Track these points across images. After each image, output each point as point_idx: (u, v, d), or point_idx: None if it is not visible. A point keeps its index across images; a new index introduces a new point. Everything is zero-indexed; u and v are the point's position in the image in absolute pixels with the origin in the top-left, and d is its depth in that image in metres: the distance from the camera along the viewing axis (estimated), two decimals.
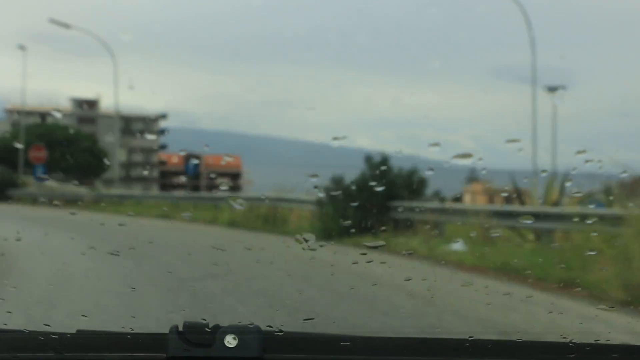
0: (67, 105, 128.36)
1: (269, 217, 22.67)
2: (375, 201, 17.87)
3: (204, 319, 2.03)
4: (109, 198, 37.68)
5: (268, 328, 2.03)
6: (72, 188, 45.27)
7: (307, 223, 20.66)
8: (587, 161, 4.03)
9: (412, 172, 18.74)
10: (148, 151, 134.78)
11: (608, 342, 2.19)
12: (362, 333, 2.32)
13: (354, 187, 18.47)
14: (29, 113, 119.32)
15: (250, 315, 7.79)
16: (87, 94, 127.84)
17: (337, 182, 19.12)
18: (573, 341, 2.07)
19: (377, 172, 18.45)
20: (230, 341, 1.91)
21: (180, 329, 1.95)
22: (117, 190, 44.81)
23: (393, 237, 15.44)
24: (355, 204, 17.47)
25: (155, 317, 7.63)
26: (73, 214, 33.04)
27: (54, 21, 42.21)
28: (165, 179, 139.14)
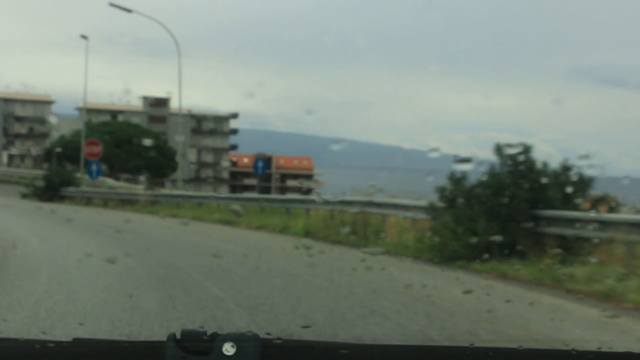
0: (138, 104, 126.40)
1: (356, 227, 17.31)
2: (516, 209, 12.37)
3: (201, 327, 2.00)
4: (167, 199, 32.96)
5: (267, 336, 1.93)
6: (129, 187, 40.95)
7: (411, 236, 15.19)
8: None
9: (566, 169, 13.00)
10: (218, 151, 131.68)
11: (611, 350, 2.11)
12: (361, 341, 1.22)
13: (481, 190, 13.00)
14: (100, 111, 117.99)
15: None
16: (159, 93, 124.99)
17: (457, 182, 13.66)
18: (575, 349, 1.99)
19: (518, 167, 12.91)
20: (229, 349, 1.83)
21: (178, 337, 1.86)
22: (174, 190, 40.17)
23: (563, 266, 10.03)
24: (485, 212, 12.06)
25: None
26: (128, 222, 28.74)
27: (113, 5, 37.86)
28: (235, 179, 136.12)
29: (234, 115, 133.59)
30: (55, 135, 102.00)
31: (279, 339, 1.94)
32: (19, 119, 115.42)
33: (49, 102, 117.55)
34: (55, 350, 1.89)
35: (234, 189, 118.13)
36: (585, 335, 7.26)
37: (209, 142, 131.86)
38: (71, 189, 38.68)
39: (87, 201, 36.48)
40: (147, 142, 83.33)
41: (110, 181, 48.50)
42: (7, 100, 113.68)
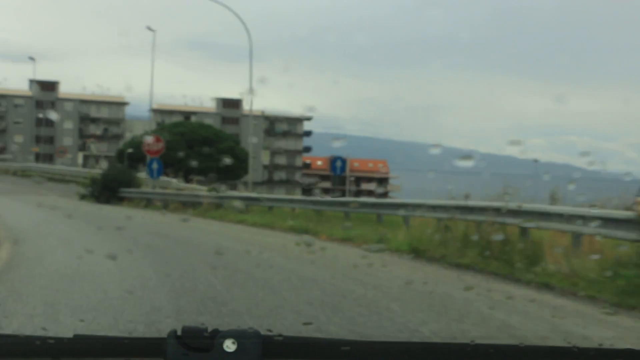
0: (211, 105, 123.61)
1: (486, 244, 12.00)
2: None
3: (202, 324, 1.94)
4: (227, 200, 28.24)
5: (267, 332, 1.89)
6: (192, 188, 36.51)
7: (591, 264, 9.73)
8: None
9: None
10: (292, 153, 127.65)
11: (612, 347, 2.09)
12: (362, 337, 1.32)
13: None
14: (173, 112, 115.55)
15: None
16: (233, 95, 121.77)
17: None
18: (577, 346, 1.99)
19: None
20: (229, 346, 1.80)
21: (179, 333, 1.84)
22: (240, 192, 35.41)
23: None
24: None
25: None
26: (185, 220, 23.86)
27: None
28: (310, 183, 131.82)
29: (308, 117, 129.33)
30: (128, 136, 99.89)
31: (280, 335, 1.90)
32: (94, 121, 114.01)
33: (123, 104, 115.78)
34: (56, 347, 1.87)
35: (307, 192, 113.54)
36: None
37: (282, 144, 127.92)
38: (130, 189, 34.45)
39: (147, 203, 32.16)
40: (227, 160, 79.54)
41: (176, 182, 44.33)
42: (83, 102, 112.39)
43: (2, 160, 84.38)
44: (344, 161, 38.72)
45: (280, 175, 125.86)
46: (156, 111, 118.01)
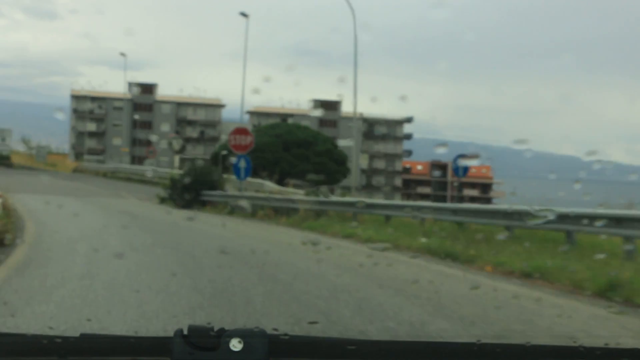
0: (308, 107, 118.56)
1: None
2: None
3: (209, 323, 1.90)
4: (339, 209, 21.86)
5: (274, 332, 1.84)
6: (286, 191, 30.47)
7: None
8: None
9: None
10: (391, 157, 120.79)
11: (618, 346, 2.04)
12: (368, 337, 1.30)
13: None
14: (269, 114, 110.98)
15: None
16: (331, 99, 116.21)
17: None
18: (583, 345, 1.94)
19: None
20: (236, 345, 1.77)
21: (185, 332, 1.80)
22: (344, 197, 28.84)
23: None
24: None
25: None
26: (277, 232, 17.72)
27: None
28: (408, 187, 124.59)
29: (409, 120, 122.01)
30: (223, 138, 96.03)
31: (286, 334, 1.86)
32: (190, 123, 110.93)
33: (219, 106, 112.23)
34: (63, 346, 1.84)
35: (407, 197, 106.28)
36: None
37: (381, 147, 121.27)
38: (214, 192, 28.77)
39: (232, 208, 26.34)
40: (314, 176, 74.48)
41: (269, 184, 38.59)
42: (180, 104, 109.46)
43: (98, 161, 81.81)
44: (467, 166, 31.91)
45: (378, 180, 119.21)
46: (252, 113, 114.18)
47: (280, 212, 23.66)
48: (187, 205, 28.87)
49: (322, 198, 22.47)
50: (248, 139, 27.60)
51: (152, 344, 1.85)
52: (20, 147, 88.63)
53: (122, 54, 68.00)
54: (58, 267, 10.36)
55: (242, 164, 27.07)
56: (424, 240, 14.56)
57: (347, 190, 71.57)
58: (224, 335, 1.77)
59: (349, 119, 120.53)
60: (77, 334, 1.85)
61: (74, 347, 1.83)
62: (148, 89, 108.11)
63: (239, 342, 1.75)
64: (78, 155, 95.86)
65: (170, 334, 1.78)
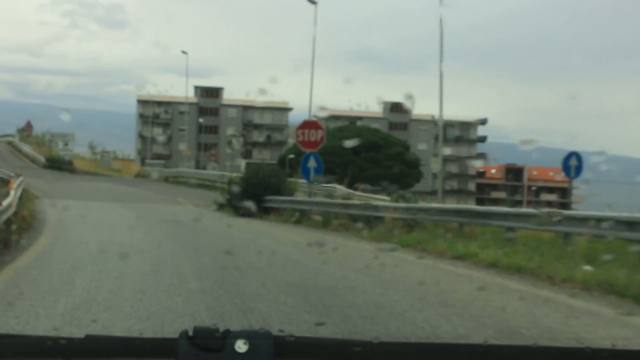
0: (377, 110, 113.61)
1: None
2: None
3: (214, 324, 1.91)
4: (440, 218, 16.79)
5: (279, 333, 1.82)
6: (367, 197, 25.61)
7: None
8: None
9: None
10: (465, 161, 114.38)
11: (625, 348, 2.05)
12: (374, 338, 1.90)
13: None
14: (338, 117, 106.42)
15: None
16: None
17: None
18: (590, 347, 1.86)
19: None
20: (241, 346, 1.74)
21: (190, 333, 1.78)
22: (445, 204, 23.69)
23: None
24: None
25: None
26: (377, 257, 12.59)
27: None
28: (482, 192, 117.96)
29: (483, 122, 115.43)
30: (291, 142, 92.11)
31: (291, 336, 1.84)
32: (257, 127, 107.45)
33: (287, 109, 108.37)
34: (68, 347, 1.83)
35: (480, 202, 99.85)
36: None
37: (454, 150, 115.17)
38: (278, 197, 24.17)
39: (299, 217, 21.69)
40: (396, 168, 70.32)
41: (342, 188, 33.90)
42: (247, 108, 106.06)
43: (159, 166, 78.95)
44: (580, 158, 26.68)
45: (451, 184, 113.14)
46: (320, 117, 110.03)
47: (357, 220, 18.90)
48: (247, 212, 24.45)
49: (414, 204, 17.54)
50: (319, 134, 22.87)
51: (157, 346, 1.82)
52: (87, 153, 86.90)
53: (184, 52, 64.39)
54: (26, 318, 6.07)
55: (312, 163, 22.39)
56: (586, 267, 9.55)
57: (426, 195, 66.30)
58: (229, 336, 1.73)
59: (419, 121, 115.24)
60: (82, 335, 1.79)
61: (79, 348, 1.81)
62: (214, 92, 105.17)
63: (245, 343, 1.70)
64: (144, 161, 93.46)
65: (176, 335, 1.72)
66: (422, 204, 17.07)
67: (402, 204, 17.37)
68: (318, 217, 22.23)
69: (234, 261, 10.95)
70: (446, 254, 12.62)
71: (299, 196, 25.03)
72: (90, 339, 1.82)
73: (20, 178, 31.65)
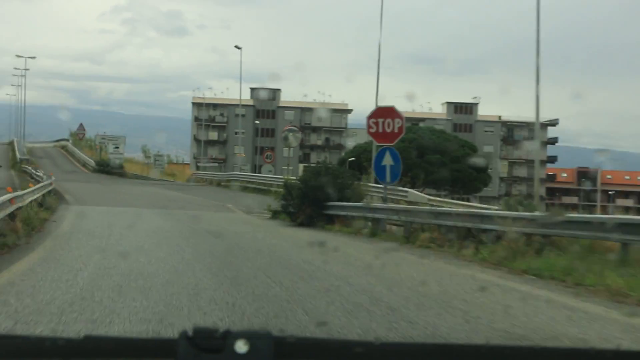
0: (441, 111, 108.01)
1: None
2: None
3: (214, 324, 1.18)
4: (564, 229, 11.76)
5: (280, 333, 1.75)
6: (470, 206, 20.69)
7: None
8: None
9: None
10: (533, 163, 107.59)
11: (630, 349, 1.95)
12: (376, 339, 1.93)
13: None
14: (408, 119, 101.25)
15: None
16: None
17: None
18: (594, 347, 1.82)
19: None
20: (241, 347, 1.70)
21: (190, 334, 1.74)
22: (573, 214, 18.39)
23: None
24: None
25: None
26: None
27: None
28: (552, 197, 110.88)
29: (553, 122, 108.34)
30: (350, 145, 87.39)
31: (292, 336, 1.79)
32: (315, 130, 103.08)
33: (346, 111, 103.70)
34: (66, 348, 1.79)
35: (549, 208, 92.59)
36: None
37: (522, 153, 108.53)
38: (343, 203, 19.33)
39: (372, 228, 16.88)
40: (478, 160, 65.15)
41: (415, 192, 28.99)
42: (305, 109, 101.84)
43: (212, 169, 75.31)
44: None
45: (519, 188, 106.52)
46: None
47: (453, 236, 14.06)
48: (308, 221, 19.81)
49: (542, 214, 12.55)
50: (397, 124, 17.99)
51: (157, 346, 1.82)
52: (140, 157, 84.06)
53: (237, 47, 60.23)
54: None
55: (388, 160, 17.56)
56: None
57: (492, 200, 60.57)
58: (229, 337, 1.71)
59: (485, 122, 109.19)
60: (81, 336, 1.76)
61: (78, 348, 1.80)
62: (271, 94, 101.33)
63: (245, 343, 1.68)
64: (198, 165, 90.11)
65: (175, 335, 1.69)
66: (561, 214, 12.04)
67: (529, 213, 12.40)
68: (395, 228, 17.43)
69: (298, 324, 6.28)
70: (621, 293, 7.69)
71: (370, 202, 20.17)
72: (89, 339, 1.78)
73: (48, 181, 27.85)
